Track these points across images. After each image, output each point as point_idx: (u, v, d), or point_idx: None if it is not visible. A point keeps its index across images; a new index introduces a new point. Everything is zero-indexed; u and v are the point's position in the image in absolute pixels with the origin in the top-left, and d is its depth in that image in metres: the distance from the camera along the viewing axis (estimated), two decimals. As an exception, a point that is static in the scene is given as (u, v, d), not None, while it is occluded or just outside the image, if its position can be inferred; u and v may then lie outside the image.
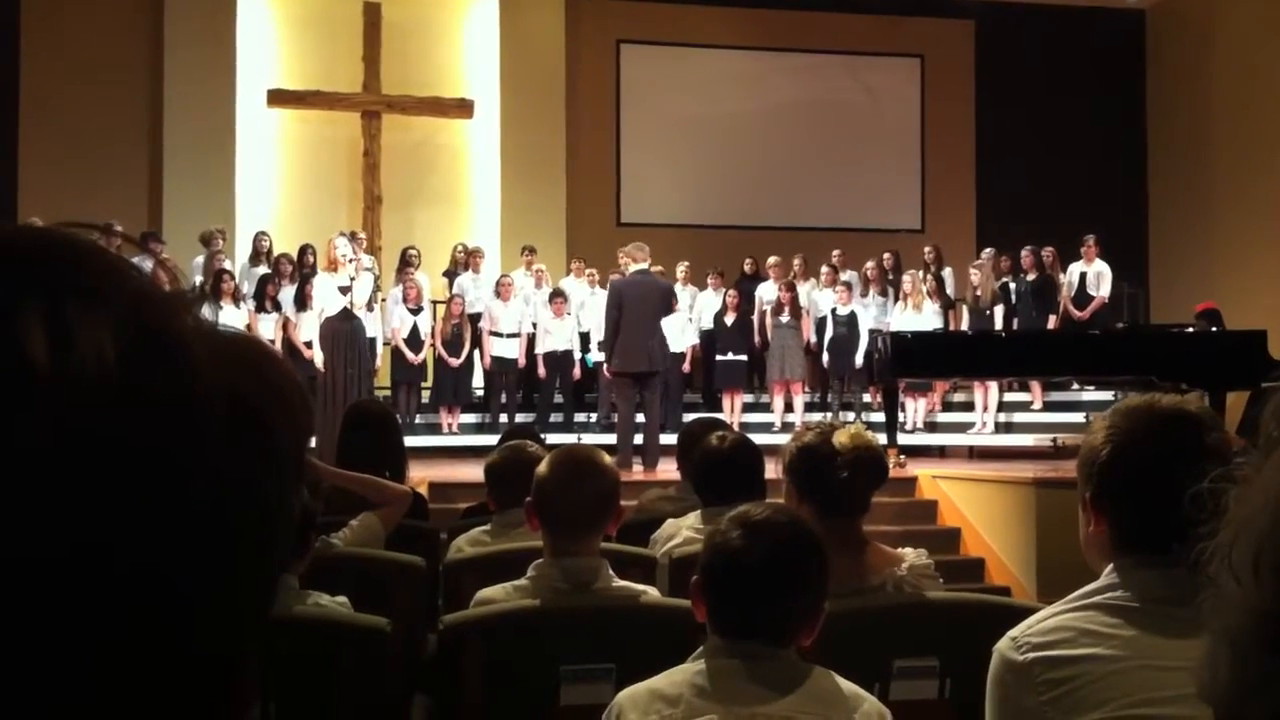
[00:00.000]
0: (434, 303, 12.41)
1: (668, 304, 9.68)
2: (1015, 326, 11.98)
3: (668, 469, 8.06)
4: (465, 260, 12.70)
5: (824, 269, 12.55)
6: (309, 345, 10.98)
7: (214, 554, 0.46)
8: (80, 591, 0.43)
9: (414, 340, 11.67)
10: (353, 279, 9.86)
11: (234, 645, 0.49)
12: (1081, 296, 12.40)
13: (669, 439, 8.43)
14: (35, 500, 0.41)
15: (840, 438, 2.70)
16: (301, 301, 11.21)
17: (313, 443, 8.57)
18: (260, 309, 11.24)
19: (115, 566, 0.43)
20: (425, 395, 12.09)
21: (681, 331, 12.00)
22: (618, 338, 9.41)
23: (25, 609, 0.42)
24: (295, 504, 0.52)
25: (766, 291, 12.56)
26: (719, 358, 12.25)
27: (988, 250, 12.99)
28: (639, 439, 9.60)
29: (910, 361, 9.62)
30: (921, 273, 12.32)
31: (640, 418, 9.70)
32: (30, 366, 0.42)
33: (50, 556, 0.42)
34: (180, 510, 0.45)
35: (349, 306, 9.83)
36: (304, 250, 11.95)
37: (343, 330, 9.83)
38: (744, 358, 12.24)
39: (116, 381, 0.43)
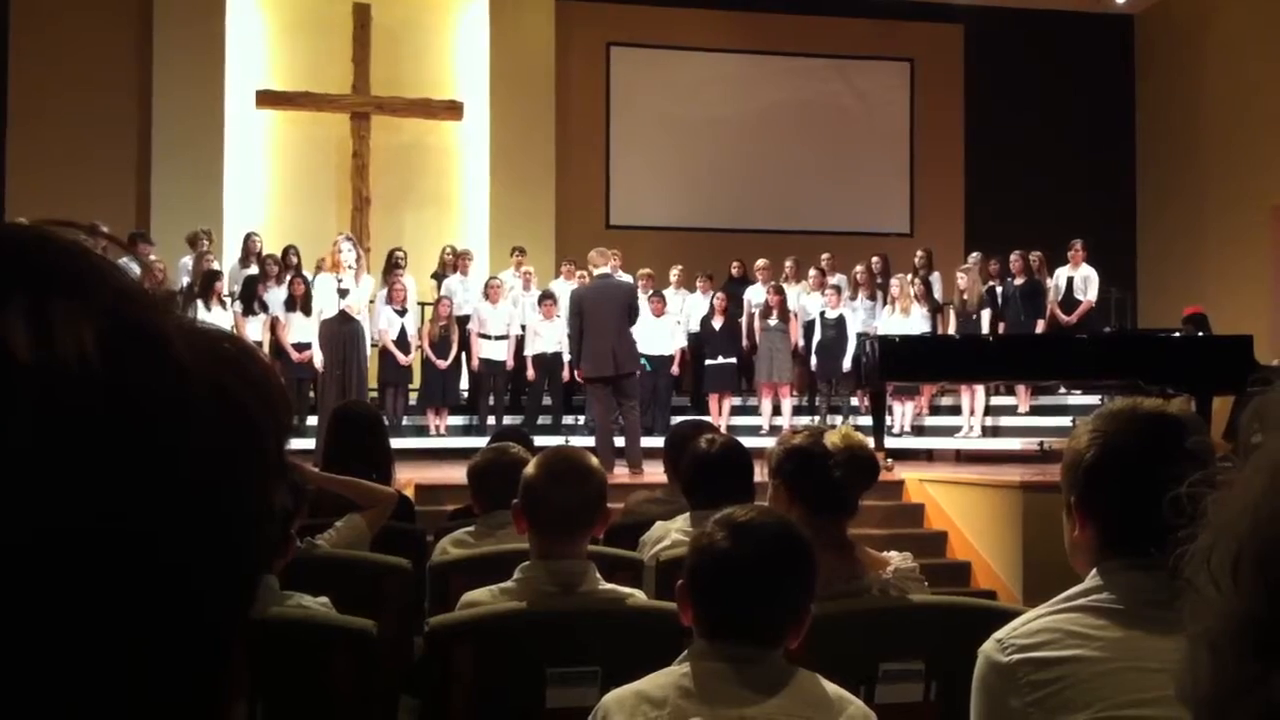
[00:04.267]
0: (422, 305, 12.40)
1: (629, 305, 9.56)
2: (1002, 330, 12.00)
3: (655, 472, 8.06)
4: (454, 262, 12.69)
5: (812, 272, 12.58)
6: (298, 347, 10.97)
7: (200, 547, 0.47)
8: (69, 585, 0.43)
9: (401, 342, 11.66)
10: (341, 279, 9.86)
11: (222, 639, 0.49)
12: (1068, 301, 12.42)
13: (655, 441, 8.43)
14: (19, 496, 0.41)
15: (832, 438, 2.71)
16: (291, 303, 11.19)
17: (312, 444, 8.57)
18: (248, 310, 11.22)
19: (102, 560, 0.43)
20: (413, 397, 12.08)
21: (670, 335, 12.01)
22: (583, 343, 9.42)
23: (15, 603, 0.42)
24: (276, 499, 0.52)
25: (755, 294, 12.57)
26: (708, 361, 12.25)
27: (974, 254, 13.02)
28: (620, 442, 9.60)
29: (898, 365, 9.63)
30: (910, 276, 12.34)
31: (622, 421, 9.70)
32: (12, 361, 0.42)
33: (33, 551, 0.42)
34: (166, 504, 0.45)
35: (347, 309, 9.83)
36: (287, 251, 11.91)
37: (341, 333, 9.84)
38: (733, 360, 12.25)
39: (99, 376, 0.43)
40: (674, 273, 12.68)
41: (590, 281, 9.76)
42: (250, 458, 0.49)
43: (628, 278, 11.06)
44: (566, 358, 12.02)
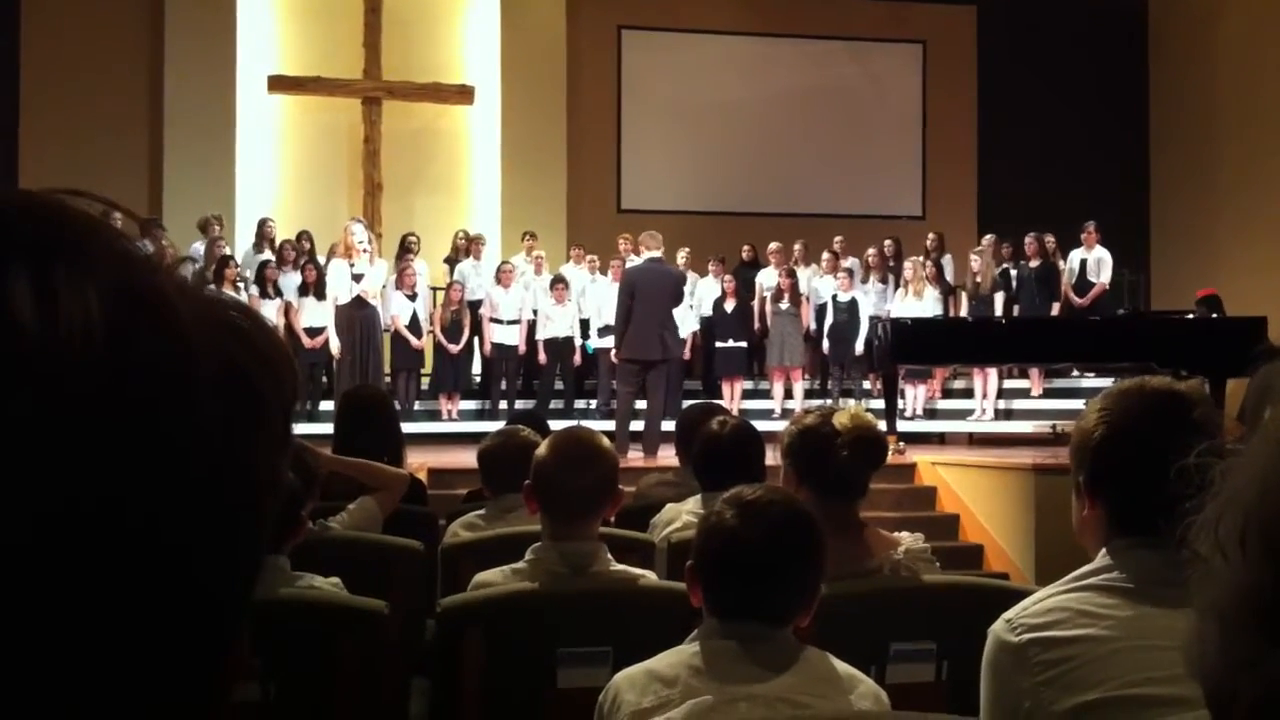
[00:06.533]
0: (434, 289, 12.41)
1: (678, 293, 9.67)
2: (1016, 313, 11.98)
3: (668, 456, 8.06)
4: (466, 247, 12.69)
5: (825, 255, 12.56)
6: (310, 332, 11.00)
7: (204, 515, 0.46)
8: (73, 555, 0.42)
9: (413, 327, 11.67)
10: (354, 264, 9.88)
11: (226, 619, 0.49)
12: (1082, 283, 12.39)
13: (668, 425, 8.44)
14: (24, 462, 0.41)
15: (841, 418, 2.71)
16: (304, 288, 11.22)
17: (327, 429, 8.61)
18: (262, 295, 11.24)
19: (107, 527, 0.43)
20: (425, 382, 12.10)
21: (682, 319, 11.99)
22: (628, 325, 9.41)
23: (16, 573, 0.41)
24: (282, 474, 0.52)
25: (766, 278, 12.55)
26: (718, 345, 12.25)
27: (988, 236, 12.99)
28: (638, 425, 9.61)
29: (910, 348, 9.62)
30: (922, 259, 12.32)
31: (641, 404, 9.71)
32: (17, 326, 0.42)
33: (41, 518, 0.42)
34: (170, 470, 0.45)
35: (362, 294, 9.84)
36: (300, 236, 11.94)
37: (357, 318, 9.87)
38: (744, 344, 12.24)
39: (103, 340, 0.43)
40: (681, 255, 12.66)
41: (641, 263, 9.76)
42: (256, 429, 0.49)
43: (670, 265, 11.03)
44: (578, 342, 12.04)
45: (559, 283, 11.98)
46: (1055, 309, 12.12)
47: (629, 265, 10.57)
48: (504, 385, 12.05)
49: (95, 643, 0.43)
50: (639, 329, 9.34)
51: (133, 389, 0.44)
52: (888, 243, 12.91)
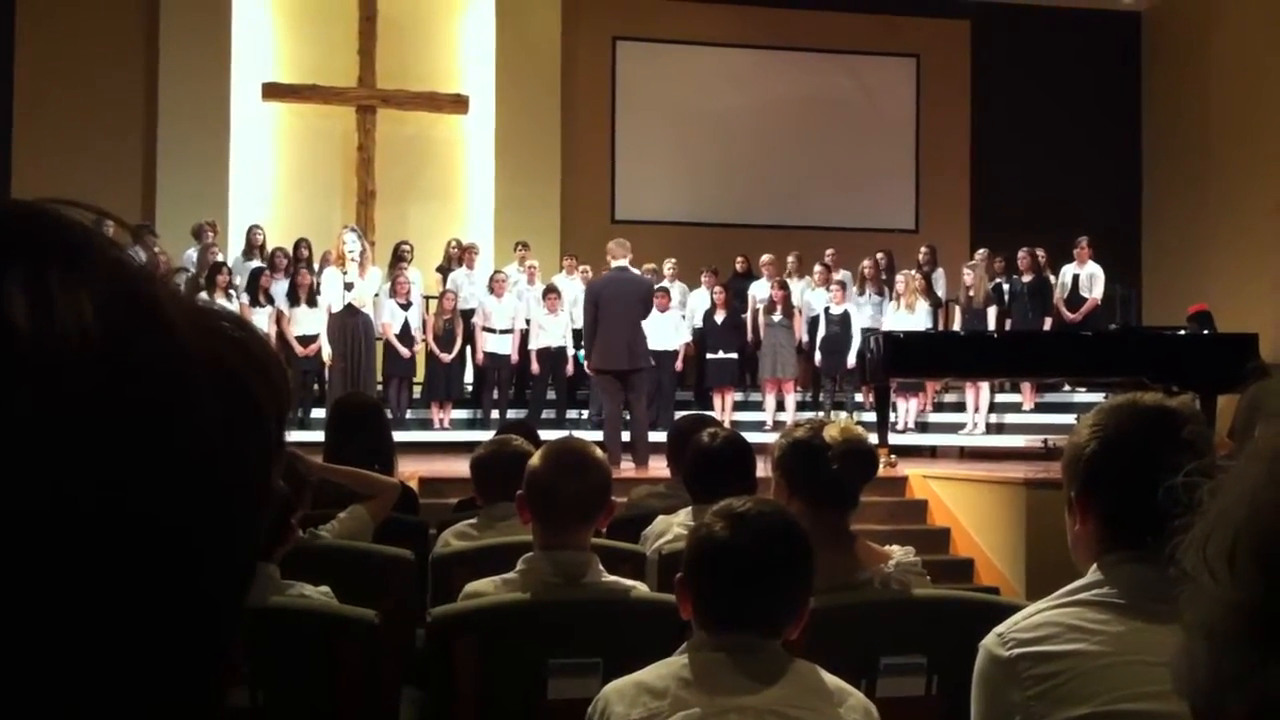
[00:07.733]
0: (426, 298, 12.40)
1: (647, 302, 9.59)
2: (1009, 327, 11.99)
3: (659, 466, 8.06)
4: (459, 256, 12.70)
5: (817, 268, 12.57)
6: (303, 340, 10.98)
7: (203, 515, 0.46)
8: (74, 552, 0.42)
9: (404, 335, 11.66)
10: (346, 272, 9.87)
11: (222, 619, 0.49)
12: (1074, 298, 12.41)
13: (659, 436, 8.43)
14: (24, 460, 0.41)
15: (831, 431, 2.71)
16: (294, 295, 11.20)
17: (318, 437, 8.61)
18: (254, 302, 11.22)
19: (108, 525, 0.43)
20: (417, 391, 12.09)
21: (675, 329, 12.00)
22: (596, 335, 9.39)
23: (17, 572, 0.42)
24: (276, 479, 0.52)
25: (759, 290, 12.57)
26: (709, 356, 12.26)
27: (981, 251, 13.02)
28: (626, 436, 9.60)
29: (903, 361, 9.62)
30: (914, 272, 12.35)
31: (627, 415, 9.70)
32: (11, 330, 0.42)
33: (41, 517, 0.42)
34: (170, 470, 0.45)
35: (353, 302, 9.83)
36: (299, 244, 11.95)
37: (350, 325, 9.85)
38: (734, 356, 12.25)
39: (100, 341, 0.43)
40: (668, 265, 12.66)
41: (607, 273, 9.73)
42: (250, 433, 0.49)
43: (639, 273, 11.02)
44: (570, 352, 12.03)
45: (551, 292, 11.98)
46: (1048, 323, 12.14)
47: (592, 278, 10.56)
48: (496, 394, 12.05)
49: (95, 643, 0.43)
50: (605, 339, 9.31)
51: (130, 389, 0.44)
52: (880, 256, 12.94)
